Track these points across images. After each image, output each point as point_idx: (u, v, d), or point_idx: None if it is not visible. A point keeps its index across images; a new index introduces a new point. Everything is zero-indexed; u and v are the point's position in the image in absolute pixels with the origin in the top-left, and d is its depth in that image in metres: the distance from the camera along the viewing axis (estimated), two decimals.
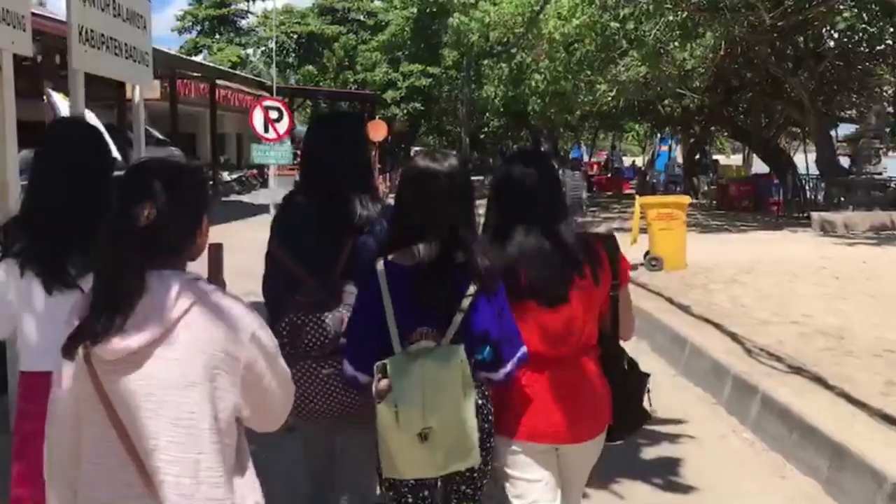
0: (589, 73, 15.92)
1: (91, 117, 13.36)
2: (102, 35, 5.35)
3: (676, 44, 14.78)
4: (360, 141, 2.95)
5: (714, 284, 8.80)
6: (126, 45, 5.79)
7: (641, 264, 10.25)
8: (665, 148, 36.77)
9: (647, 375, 2.83)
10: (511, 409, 2.49)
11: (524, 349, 2.41)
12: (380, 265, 2.35)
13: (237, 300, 1.81)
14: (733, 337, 6.45)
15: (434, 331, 2.31)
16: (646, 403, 2.82)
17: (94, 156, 2.59)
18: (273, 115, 9.41)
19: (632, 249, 10.13)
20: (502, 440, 2.52)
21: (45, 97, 14.14)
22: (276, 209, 2.99)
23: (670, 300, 8.05)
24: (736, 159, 42.90)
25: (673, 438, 5.04)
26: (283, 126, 9.52)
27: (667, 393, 6.01)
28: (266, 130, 9.49)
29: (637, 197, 10.57)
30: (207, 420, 1.71)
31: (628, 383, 2.73)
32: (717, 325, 6.83)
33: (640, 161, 47.03)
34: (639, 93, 15.28)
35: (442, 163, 2.40)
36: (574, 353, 2.53)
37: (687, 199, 10.09)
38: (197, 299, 1.72)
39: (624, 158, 47.45)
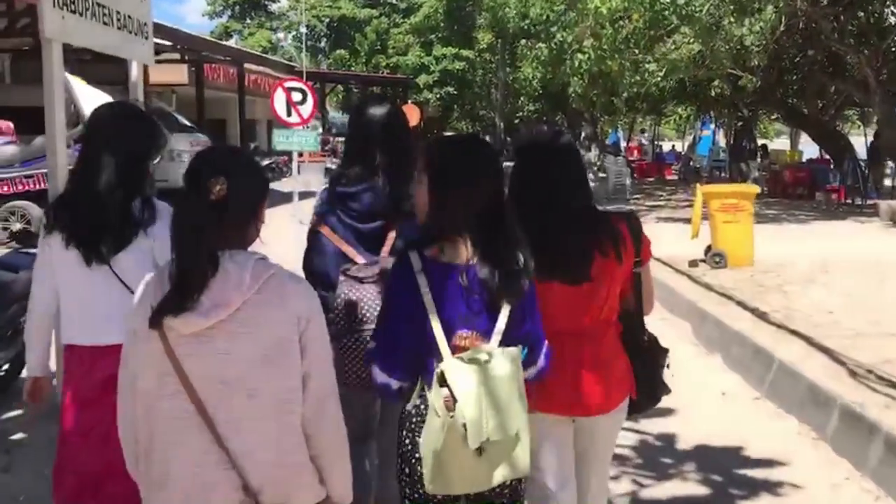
0: (636, 51, 14.85)
1: (102, 96, 12.55)
2: None
3: (732, 19, 13.66)
4: (406, 124, 3.04)
5: (790, 286, 7.79)
6: (118, 12, 4.95)
7: (703, 260, 9.27)
8: (706, 132, 35.44)
9: (667, 350, 2.85)
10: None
11: (546, 344, 2.34)
12: (417, 263, 2.18)
13: (299, 279, 1.96)
14: (828, 353, 5.47)
15: (475, 333, 2.17)
16: (667, 378, 2.86)
17: (136, 143, 2.75)
18: (296, 96, 8.51)
19: (692, 244, 9.20)
20: None
21: None
22: (323, 189, 3.04)
23: (743, 305, 7.07)
24: (780, 143, 41.36)
25: (773, 486, 4.12)
26: (307, 109, 8.62)
27: (753, 421, 5.09)
28: (288, 114, 8.61)
29: (698, 186, 9.58)
30: (279, 391, 1.83)
31: (648, 357, 2.77)
32: (804, 338, 5.85)
33: (679, 146, 45.59)
34: (690, 71, 14.17)
35: (482, 143, 2.39)
36: (594, 326, 2.59)
37: (755, 189, 9.07)
38: (267, 278, 1.82)
39: (662, 144, 45.98)
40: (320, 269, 2.83)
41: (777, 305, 6.96)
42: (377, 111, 2.96)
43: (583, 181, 2.66)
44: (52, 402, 4.92)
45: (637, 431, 4.79)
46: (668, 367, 2.85)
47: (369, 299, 2.68)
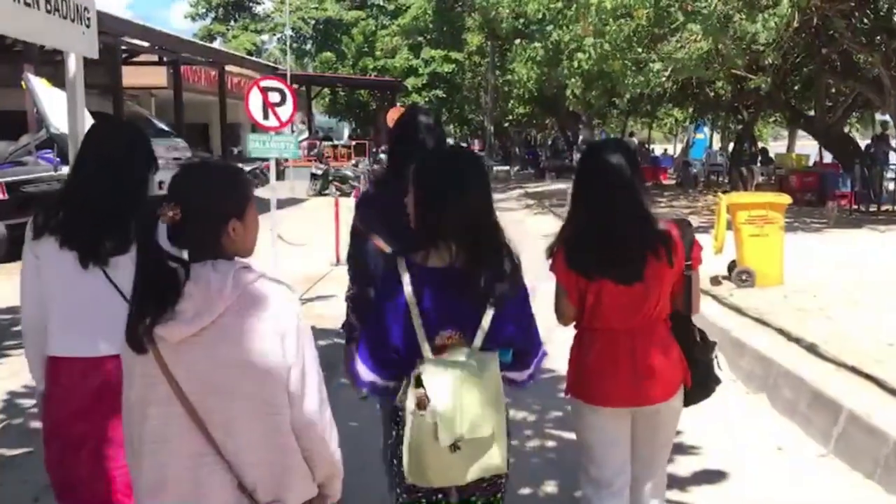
0: (640, 50, 13.98)
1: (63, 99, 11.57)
2: None
3: (742, 15, 12.80)
4: (442, 129, 3.32)
5: (833, 309, 6.90)
6: None
7: (725, 277, 8.40)
8: (700, 135, 34.69)
9: (714, 343, 2.98)
10: (588, 375, 2.77)
11: (544, 349, 2.47)
12: (403, 267, 2.31)
13: (282, 285, 1.98)
14: None
15: (457, 333, 2.28)
16: (715, 370, 2.99)
17: (126, 152, 2.71)
18: (273, 97, 7.57)
19: (715, 260, 8.31)
20: (579, 405, 2.82)
21: (23, 83, 12.48)
22: (364, 190, 3.60)
23: (785, 333, 6.17)
24: (776, 147, 40.66)
25: None
26: (286, 111, 7.67)
27: (824, 487, 4.19)
28: (265, 117, 7.66)
29: (720, 195, 8.70)
30: (266, 393, 1.88)
31: (698, 351, 2.89)
32: (871, 378, 4.96)
33: (670, 149, 44.84)
34: (700, 71, 13.28)
35: (466, 156, 2.50)
36: (647, 324, 2.75)
37: (787, 199, 8.17)
38: (248, 285, 1.89)
39: (654, 147, 45.21)
40: (359, 268, 3.06)
41: (825, 334, 6.07)
42: (414, 116, 3.23)
43: (640, 187, 2.81)
44: None
45: None
46: (716, 358, 2.98)
47: None
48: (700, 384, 2.88)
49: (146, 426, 1.87)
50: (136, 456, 1.91)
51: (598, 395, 2.75)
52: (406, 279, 2.27)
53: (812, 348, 5.74)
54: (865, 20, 15.73)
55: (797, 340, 5.95)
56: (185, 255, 1.91)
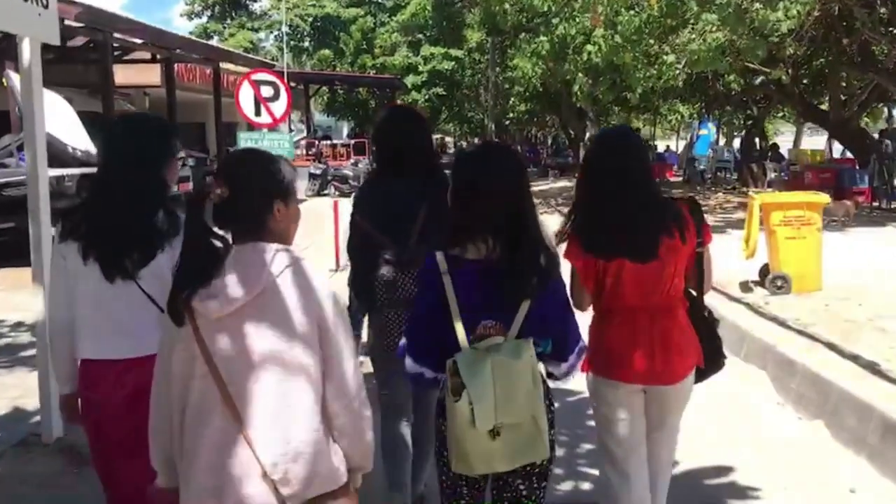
0: (651, 42, 13.34)
1: (61, 102, 10.99)
2: None
3: (759, 5, 12.17)
4: (424, 126, 3.41)
5: (884, 319, 6.25)
6: None
7: (756, 282, 7.77)
8: (704, 131, 34.10)
9: (717, 321, 3.06)
10: (606, 351, 2.83)
11: (583, 342, 2.54)
12: (442, 261, 2.36)
13: (318, 270, 2.02)
14: None
15: (498, 324, 2.32)
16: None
17: (154, 158, 2.65)
18: (266, 91, 6.95)
19: (736, 262, 7.70)
20: (598, 380, 2.89)
21: (3, 80, 11.83)
22: (358, 187, 3.70)
23: (837, 349, 5.54)
24: (783, 141, 40.06)
25: None
26: (279, 107, 7.05)
27: None
28: (257, 113, 7.03)
29: (753, 195, 8.09)
30: (300, 374, 1.91)
31: (709, 329, 2.97)
32: None
33: (673, 145, 44.21)
34: (718, 63, 12.63)
35: (500, 151, 2.58)
36: (663, 302, 2.81)
37: (825, 198, 7.53)
38: (285, 267, 1.93)
39: (657, 143, 44.57)
40: (358, 255, 3.26)
41: (883, 350, 5.43)
42: (392, 118, 3.40)
43: (650, 170, 2.94)
44: None
45: None
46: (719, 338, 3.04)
47: (403, 282, 3.08)
48: (711, 360, 2.95)
49: (190, 399, 1.91)
50: (179, 424, 1.94)
51: (615, 370, 2.82)
52: (445, 272, 2.34)
53: (873, 368, 5.10)
54: (884, 9, 15.09)
55: (853, 358, 5.32)
56: (228, 236, 1.95)
